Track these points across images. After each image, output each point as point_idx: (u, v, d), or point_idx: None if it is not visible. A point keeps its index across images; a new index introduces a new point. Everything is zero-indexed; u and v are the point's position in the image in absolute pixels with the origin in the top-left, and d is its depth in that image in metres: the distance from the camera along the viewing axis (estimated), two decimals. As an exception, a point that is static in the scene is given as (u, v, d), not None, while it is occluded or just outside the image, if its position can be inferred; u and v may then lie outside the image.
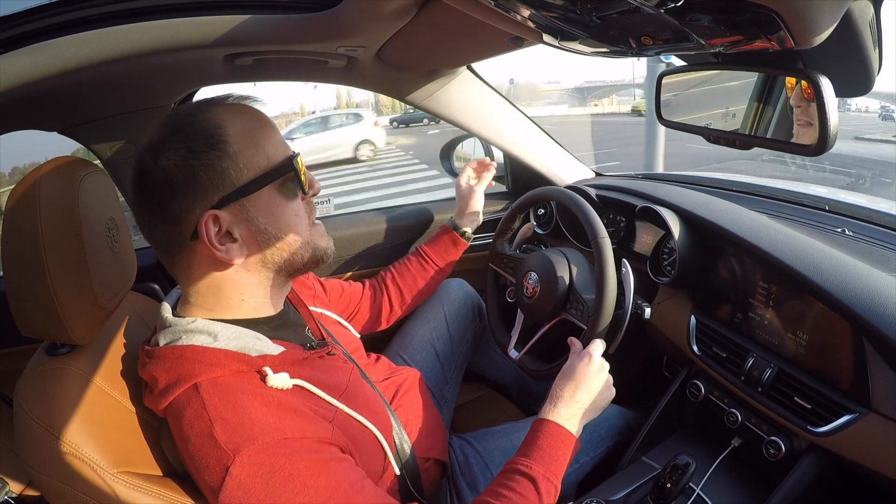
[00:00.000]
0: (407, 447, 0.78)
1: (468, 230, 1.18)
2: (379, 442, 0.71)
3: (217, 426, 0.56)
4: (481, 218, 1.21)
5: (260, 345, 0.64)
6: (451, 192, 1.32)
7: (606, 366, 0.82)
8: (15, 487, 0.95)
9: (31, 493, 1.00)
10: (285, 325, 0.72)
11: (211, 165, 0.59)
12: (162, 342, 0.63)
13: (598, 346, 0.83)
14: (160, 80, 0.96)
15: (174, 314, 0.66)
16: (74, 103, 0.94)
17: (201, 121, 0.60)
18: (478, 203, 1.19)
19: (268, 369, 0.62)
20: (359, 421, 0.68)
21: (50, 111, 0.95)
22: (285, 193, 0.65)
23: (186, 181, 0.59)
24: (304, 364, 0.67)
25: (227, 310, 0.66)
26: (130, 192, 0.63)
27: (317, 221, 0.71)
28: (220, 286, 0.65)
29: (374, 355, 0.96)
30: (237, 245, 0.62)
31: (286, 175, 0.63)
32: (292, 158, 0.64)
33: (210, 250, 0.61)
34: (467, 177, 1.22)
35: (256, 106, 0.66)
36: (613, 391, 0.81)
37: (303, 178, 0.65)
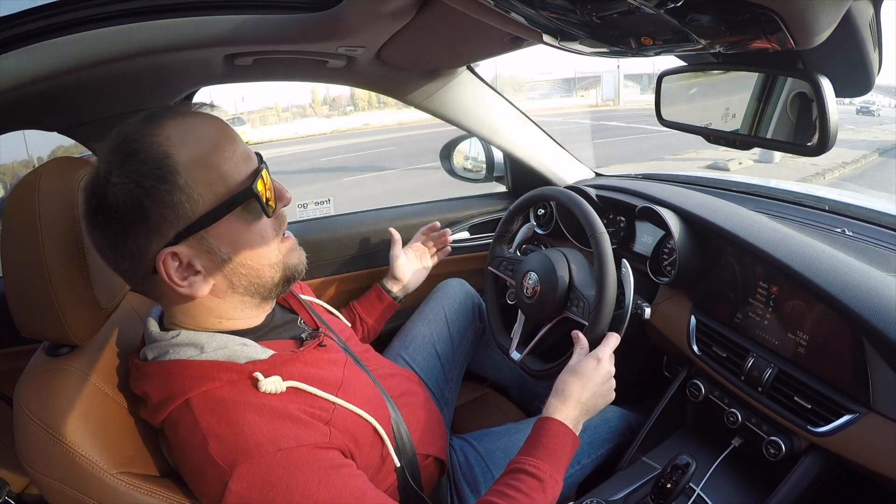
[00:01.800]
0: (406, 440, 0.77)
1: (397, 294, 1.14)
2: (378, 433, 0.70)
3: (211, 443, 0.56)
4: (412, 287, 1.16)
5: (248, 351, 0.63)
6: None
7: (613, 371, 0.81)
8: (15, 487, 0.95)
9: (31, 492, 1.00)
10: (272, 329, 0.70)
11: (162, 201, 0.54)
12: (149, 357, 0.63)
13: (608, 350, 0.81)
14: (160, 80, 0.96)
15: (161, 327, 0.65)
16: (74, 103, 0.94)
17: (148, 147, 0.54)
18: (401, 271, 1.14)
19: (259, 375, 0.61)
20: (357, 414, 0.68)
21: (50, 111, 0.95)
22: (248, 216, 0.59)
23: (138, 219, 0.55)
24: (296, 362, 0.66)
25: (207, 328, 0.65)
26: (84, 225, 0.59)
27: (288, 234, 0.67)
28: (194, 312, 0.63)
29: (370, 347, 0.95)
30: (200, 277, 0.59)
31: (247, 200, 0.58)
32: (254, 177, 0.58)
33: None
34: (401, 249, 1.16)
35: (213, 112, 0.60)
36: (613, 395, 0.81)
37: (267, 196, 0.60)
